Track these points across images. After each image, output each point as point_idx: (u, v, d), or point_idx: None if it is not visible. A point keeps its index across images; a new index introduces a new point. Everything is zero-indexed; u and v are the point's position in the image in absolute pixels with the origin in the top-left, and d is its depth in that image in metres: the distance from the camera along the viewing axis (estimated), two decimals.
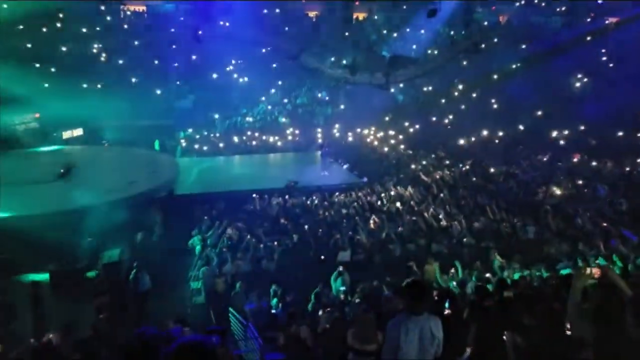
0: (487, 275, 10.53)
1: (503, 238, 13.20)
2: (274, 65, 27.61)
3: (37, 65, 23.33)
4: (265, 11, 29.19)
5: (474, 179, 17.79)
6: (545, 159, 19.91)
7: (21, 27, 23.01)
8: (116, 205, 14.15)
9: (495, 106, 25.74)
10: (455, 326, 5.75)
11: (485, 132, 22.65)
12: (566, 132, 22.02)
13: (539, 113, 24.15)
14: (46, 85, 22.69)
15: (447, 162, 19.85)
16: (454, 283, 10.40)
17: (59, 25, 25.25)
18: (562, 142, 21.43)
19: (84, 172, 16.35)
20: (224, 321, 10.43)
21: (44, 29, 24.61)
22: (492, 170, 18.53)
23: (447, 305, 7.02)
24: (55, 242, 12.64)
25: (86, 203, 13.95)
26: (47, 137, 21.40)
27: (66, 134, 21.86)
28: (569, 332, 4.56)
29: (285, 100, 26.70)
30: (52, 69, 23.83)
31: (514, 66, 27.27)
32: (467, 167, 18.98)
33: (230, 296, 10.82)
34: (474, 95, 26.80)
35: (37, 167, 17.20)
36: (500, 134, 22.75)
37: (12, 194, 14.28)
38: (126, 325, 10.48)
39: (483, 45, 28.21)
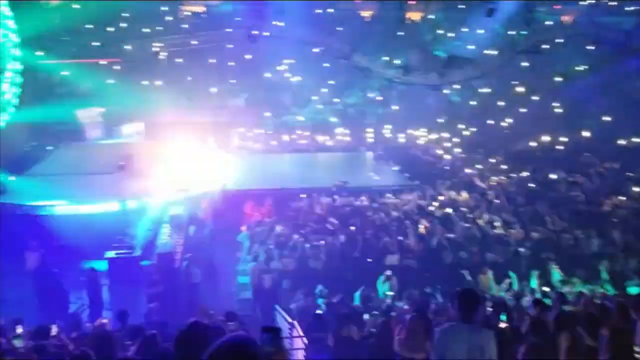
0: (546, 288, 10.03)
1: (564, 250, 12.54)
2: (326, 64, 27.59)
3: (103, 62, 24.35)
4: (318, 11, 29.15)
5: (534, 185, 17.05)
6: (613, 168, 18.79)
7: (90, 26, 24.07)
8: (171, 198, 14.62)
9: (558, 110, 24.60)
10: (511, 340, 5.45)
11: (546, 137, 21.65)
12: (637, 140, 20.73)
13: (607, 118, 22.88)
14: (110, 81, 23.66)
15: (505, 167, 19.13)
16: (508, 295, 9.96)
17: (123, 25, 26.24)
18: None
19: (143, 165, 16.89)
20: (269, 317, 10.49)
21: (111, 29, 25.63)
22: (553, 177, 17.67)
23: (503, 317, 6.70)
24: (113, 230, 13.20)
25: (143, 195, 14.46)
26: (110, 131, 22.34)
27: (127, 128, 22.70)
28: (637, 355, 4.21)
29: (336, 100, 26.63)
30: (116, 67, 24.80)
31: (579, 68, 25.96)
32: (527, 173, 18.20)
33: (277, 293, 10.86)
34: (535, 97, 25.74)
35: (99, 159, 17.95)
36: (564, 139, 21.69)
37: (75, 184, 15.05)
38: (176, 316, 10.74)
39: (545, 46, 27.02)
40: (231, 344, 2.17)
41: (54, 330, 7.65)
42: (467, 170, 18.61)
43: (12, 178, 15.32)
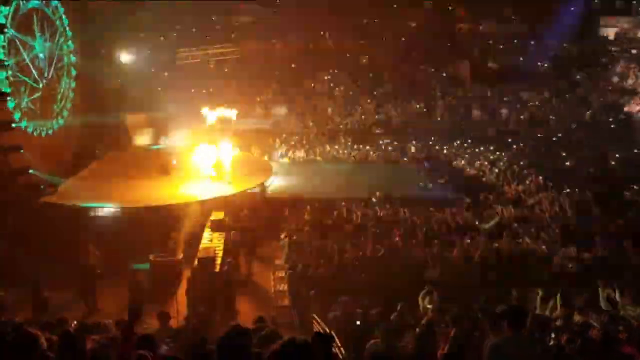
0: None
1: (614, 269, 11.91)
2: (370, 74, 27.53)
3: (154, 69, 25.07)
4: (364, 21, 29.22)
5: (587, 202, 16.35)
6: None
7: (142, 35, 24.87)
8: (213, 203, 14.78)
9: (612, 125, 23.63)
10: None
11: (599, 151, 20.78)
12: None
13: None
14: (159, 88, 24.43)
15: (554, 182, 18.43)
16: (555, 314, 9.50)
17: (174, 34, 26.99)
18: None
19: (187, 170, 17.17)
20: (307, 326, 10.39)
21: (162, 37, 26.37)
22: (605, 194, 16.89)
23: (552, 336, 6.39)
24: (157, 233, 13.44)
25: (187, 199, 14.72)
26: (157, 136, 22.90)
27: (174, 134, 23.15)
28: None
29: (381, 110, 26.51)
30: (166, 73, 25.55)
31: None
32: (577, 189, 17.48)
33: (315, 301, 10.75)
34: (588, 112, 24.82)
35: (146, 164, 18.36)
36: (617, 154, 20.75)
37: (123, 187, 15.48)
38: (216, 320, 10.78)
39: (603, 59, 26.11)
40: (296, 343, 2.30)
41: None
42: (516, 185, 18.04)
43: (64, 180, 15.88)
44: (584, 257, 12.29)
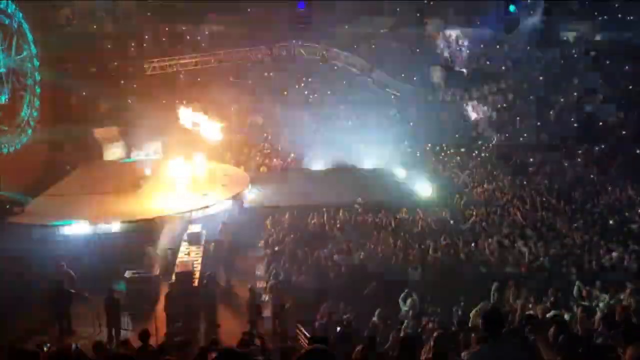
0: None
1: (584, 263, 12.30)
2: (344, 82, 27.70)
3: (122, 81, 24.69)
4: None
5: (552, 200, 16.83)
6: None
7: (110, 46, 24.40)
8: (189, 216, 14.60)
9: (575, 124, 24.45)
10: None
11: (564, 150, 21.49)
12: None
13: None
14: (129, 100, 23.98)
15: (524, 182, 18.92)
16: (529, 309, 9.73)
17: (143, 45, 26.67)
18: None
19: (161, 183, 16.91)
20: (290, 335, 10.37)
21: (130, 49, 26.06)
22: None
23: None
24: (132, 250, 13.16)
25: (162, 213, 14.46)
26: (129, 150, 22.47)
27: (145, 147, 22.72)
28: None
29: (355, 117, 26.63)
30: (135, 86, 25.13)
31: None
32: (542, 186, 18.00)
33: (296, 311, 10.74)
34: (551, 112, 25.57)
35: (117, 178, 17.93)
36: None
37: (94, 203, 15.07)
38: (198, 335, 10.65)
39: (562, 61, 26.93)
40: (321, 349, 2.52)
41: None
42: (486, 186, 18.42)
43: (31, 198, 15.29)
44: (552, 252, 12.64)
